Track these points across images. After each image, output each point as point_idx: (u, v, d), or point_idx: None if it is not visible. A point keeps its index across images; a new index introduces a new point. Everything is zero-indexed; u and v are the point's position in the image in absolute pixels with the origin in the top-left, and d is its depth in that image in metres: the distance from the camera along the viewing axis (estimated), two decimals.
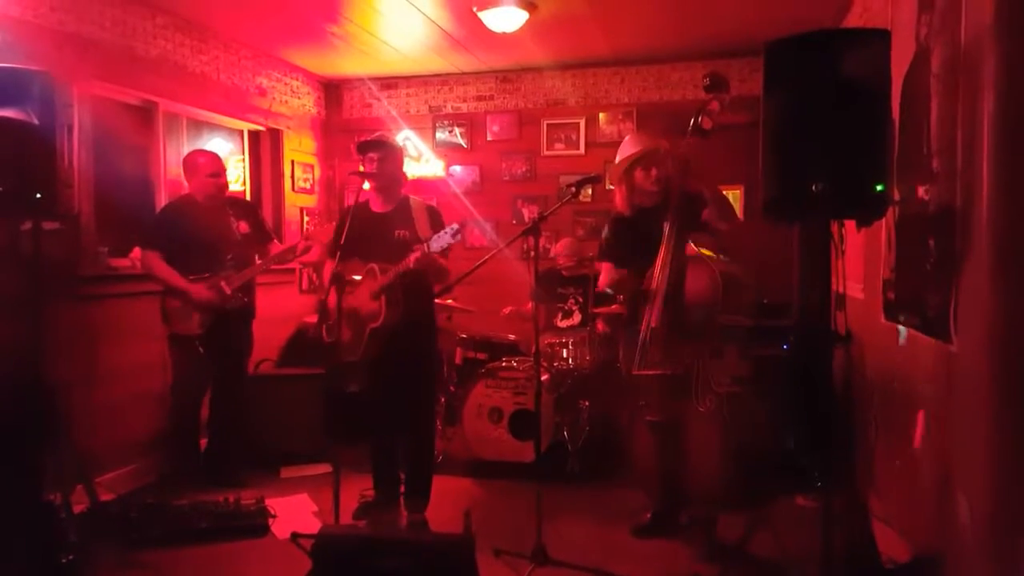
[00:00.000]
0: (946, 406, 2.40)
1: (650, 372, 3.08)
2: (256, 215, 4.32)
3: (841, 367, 3.44)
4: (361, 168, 3.45)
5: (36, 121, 2.77)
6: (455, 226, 3.13)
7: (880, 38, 2.25)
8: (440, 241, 3.13)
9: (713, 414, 2.98)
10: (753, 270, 3.32)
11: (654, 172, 3.25)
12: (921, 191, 2.65)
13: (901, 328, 2.79)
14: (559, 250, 4.97)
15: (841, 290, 2.49)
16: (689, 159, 3.07)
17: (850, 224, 2.41)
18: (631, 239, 3.32)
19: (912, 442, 2.69)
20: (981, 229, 2.07)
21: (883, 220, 2.89)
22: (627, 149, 3.34)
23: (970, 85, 2.19)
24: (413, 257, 3.17)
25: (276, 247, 4.22)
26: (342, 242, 3.17)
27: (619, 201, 3.40)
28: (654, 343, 3.07)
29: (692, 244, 3.11)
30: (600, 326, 4.60)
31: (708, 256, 3.10)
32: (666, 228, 3.09)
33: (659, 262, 3.09)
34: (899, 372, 2.97)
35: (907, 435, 2.78)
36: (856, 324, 3.43)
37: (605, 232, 3.49)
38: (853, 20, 4.08)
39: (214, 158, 4.06)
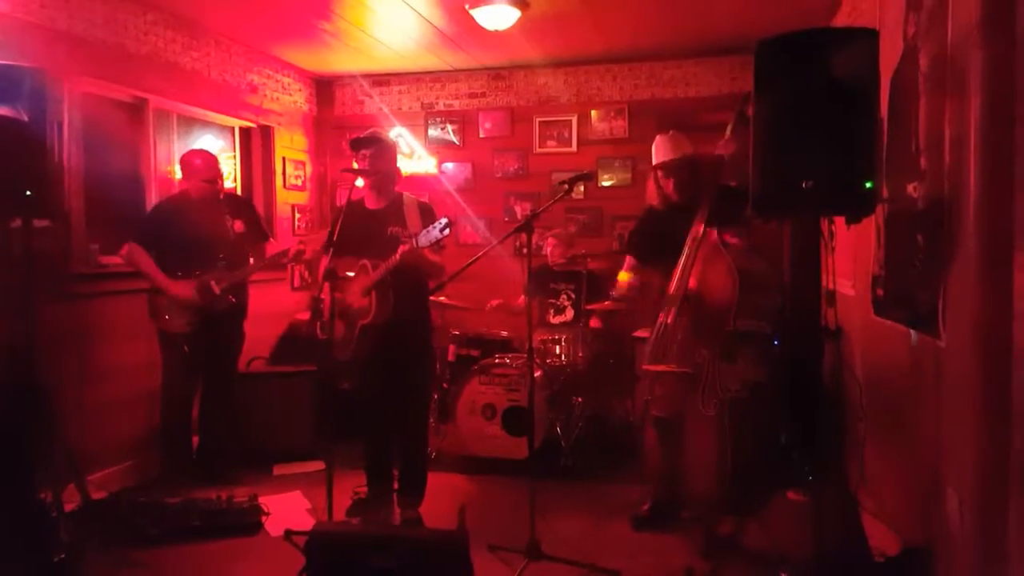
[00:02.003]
0: (935, 401, 2.42)
1: (660, 368, 3.10)
2: (252, 213, 4.30)
3: (831, 363, 3.45)
4: (355, 165, 3.45)
5: (26, 118, 2.76)
6: (443, 220, 3.07)
7: (868, 37, 2.28)
8: (428, 236, 3.08)
9: (716, 418, 2.97)
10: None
11: (672, 183, 3.29)
12: (910, 188, 2.67)
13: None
14: (547, 244, 4.98)
15: (831, 286, 2.51)
16: (726, 155, 3.07)
17: (840, 221, 2.44)
18: (657, 233, 3.35)
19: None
20: (969, 226, 2.09)
21: (872, 217, 2.92)
22: (656, 153, 3.37)
23: (957, 83, 2.22)
24: (400, 251, 3.14)
25: (271, 247, 4.21)
26: (335, 239, 3.17)
27: (650, 194, 3.45)
28: (668, 340, 3.08)
29: (720, 242, 3.08)
30: (594, 323, 4.61)
31: (735, 253, 3.05)
32: (693, 227, 3.09)
33: (681, 261, 3.10)
34: (888, 367, 3.00)
35: (896, 430, 2.80)
36: (846, 320, 3.46)
37: (635, 224, 3.53)
38: (841, 20, 4.11)
39: (211, 162, 4.03)
